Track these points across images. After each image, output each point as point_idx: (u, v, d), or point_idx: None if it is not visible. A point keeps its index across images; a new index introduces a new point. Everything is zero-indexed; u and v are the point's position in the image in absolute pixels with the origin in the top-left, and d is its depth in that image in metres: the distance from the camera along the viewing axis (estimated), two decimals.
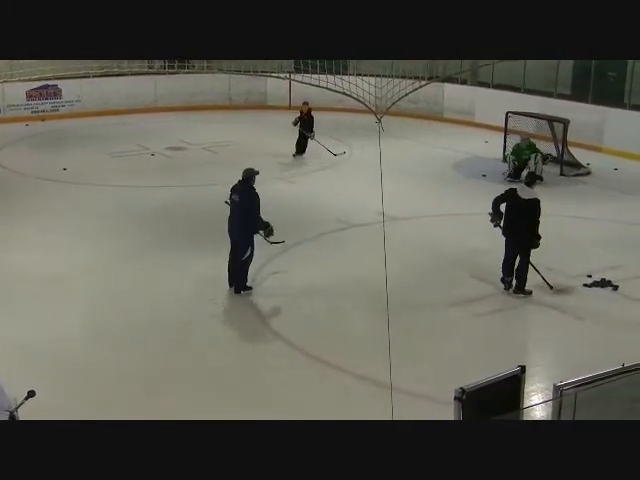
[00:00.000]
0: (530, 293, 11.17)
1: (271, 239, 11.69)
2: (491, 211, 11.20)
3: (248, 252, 11.04)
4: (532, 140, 17.94)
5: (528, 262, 11.11)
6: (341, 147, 20.43)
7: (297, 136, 19.69)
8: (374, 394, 8.39)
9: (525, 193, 11.01)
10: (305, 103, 19.45)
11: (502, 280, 11.28)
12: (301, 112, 19.53)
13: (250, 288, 11.27)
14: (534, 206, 10.89)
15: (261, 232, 11.41)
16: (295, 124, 19.58)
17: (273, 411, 8.10)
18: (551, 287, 11.31)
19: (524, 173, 17.16)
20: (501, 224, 11.15)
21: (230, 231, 11.17)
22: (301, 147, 19.62)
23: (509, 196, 11.11)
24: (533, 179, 11.46)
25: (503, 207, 11.17)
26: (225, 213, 11.37)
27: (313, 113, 19.53)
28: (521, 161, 17.54)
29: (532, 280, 11.42)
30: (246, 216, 10.99)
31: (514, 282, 11.21)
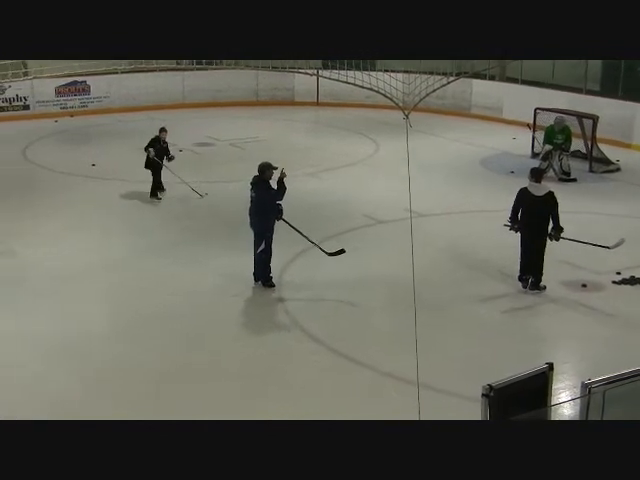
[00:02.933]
0: (544, 289, 11.09)
1: (328, 250, 11.81)
2: (510, 220, 11.19)
3: (262, 245, 11.16)
4: (567, 123, 17.74)
5: (543, 257, 11.02)
6: (369, 144, 20.39)
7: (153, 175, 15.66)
8: (400, 390, 8.42)
9: (538, 190, 10.98)
10: (163, 129, 15.81)
11: (520, 278, 11.20)
12: (159, 140, 15.63)
13: (273, 285, 11.33)
14: (552, 200, 10.92)
15: (316, 243, 11.77)
16: (149, 161, 15.56)
17: (298, 408, 8.14)
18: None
19: (556, 167, 17.09)
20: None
21: (250, 225, 11.31)
22: (160, 185, 15.87)
23: (522, 196, 11.10)
24: (539, 174, 11.42)
25: None
26: None
27: None
28: (554, 145, 17.33)
29: (559, 277, 11.39)
30: (259, 210, 11.11)
31: (531, 279, 11.11)
